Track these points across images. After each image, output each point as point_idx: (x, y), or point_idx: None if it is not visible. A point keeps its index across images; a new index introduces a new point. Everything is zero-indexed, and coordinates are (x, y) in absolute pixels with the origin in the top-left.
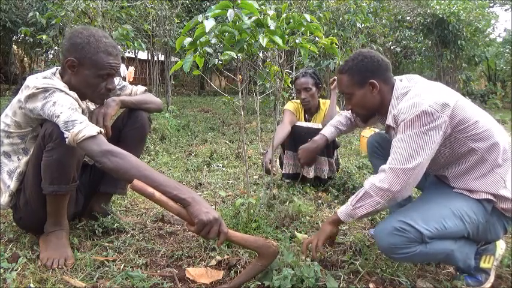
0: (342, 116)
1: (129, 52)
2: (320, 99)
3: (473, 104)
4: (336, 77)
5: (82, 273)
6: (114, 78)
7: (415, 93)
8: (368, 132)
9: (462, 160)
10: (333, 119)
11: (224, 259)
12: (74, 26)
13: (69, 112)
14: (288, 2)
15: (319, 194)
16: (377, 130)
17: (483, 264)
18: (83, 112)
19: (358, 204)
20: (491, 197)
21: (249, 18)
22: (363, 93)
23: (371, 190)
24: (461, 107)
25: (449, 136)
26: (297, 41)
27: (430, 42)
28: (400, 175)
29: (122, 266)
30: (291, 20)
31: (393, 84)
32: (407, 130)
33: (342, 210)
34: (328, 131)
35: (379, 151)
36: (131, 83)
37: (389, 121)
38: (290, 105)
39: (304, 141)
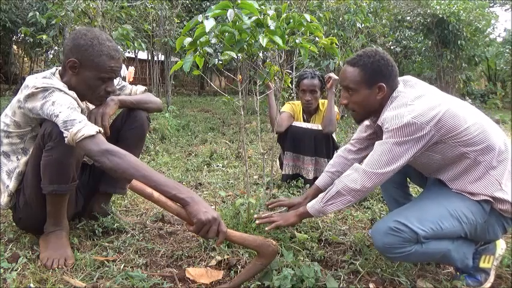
0: (335, 155)
1: (129, 52)
2: (319, 100)
3: (469, 106)
4: (331, 75)
5: (82, 273)
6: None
7: (403, 103)
8: None
9: (454, 164)
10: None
11: (224, 259)
12: (74, 26)
13: (68, 111)
14: (288, 2)
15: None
16: None
17: (483, 264)
18: (82, 111)
19: (329, 202)
20: (489, 198)
21: (249, 18)
22: (367, 94)
23: (343, 190)
24: (451, 114)
25: (438, 144)
26: (297, 41)
27: (430, 42)
28: (372, 178)
29: (122, 266)
30: (291, 20)
31: (394, 90)
32: (389, 138)
33: (312, 206)
34: (320, 180)
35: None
36: (131, 83)
37: (380, 122)
38: (287, 107)
39: (303, 142)
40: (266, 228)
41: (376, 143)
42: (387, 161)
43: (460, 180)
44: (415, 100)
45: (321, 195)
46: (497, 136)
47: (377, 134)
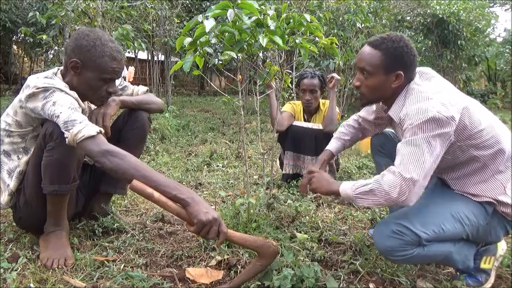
0: (343, 126)
1: (129, 52)
2: (320, 100)
3: (482, 106)
4: (333, 75)
5: (82, 273)
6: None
7: (424, 96)
8: None
9: (463, 166)
10: (336, 131)
11: (224, 259)
12: (74, 26)
13: (68, 112)
14: (288, 2)
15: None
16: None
17: (483, 265)
18: (83, 111)
19: (361, 196)
20: (492, 200)
21: (249, 18)
22: (383, 80)
23: (378, 192)
24: (469, 113)
25: (452, 144)
26: (297, 41)
27: (430, 42)
28: (410, 187)
29: (122, 266)
30: (291, 20)
31: (411, 81)
32: (414, 135)
33: (344, 189)
34: (332, 144)
35: (383, 150)
36: (131, 83)
37: (393, 114)
38: (288, 107)
39: (304, 141)
40: (306, 190)
41: (400, 143)
42: (419, 163)
43: (464, 180)
44: (436, 94)
45: (357, 184)
46: (507, 140)
47: (384, 120)
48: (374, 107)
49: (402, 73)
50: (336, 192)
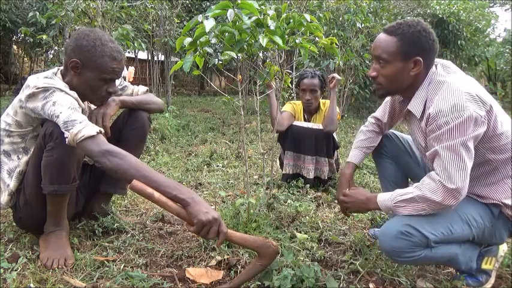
0: (362, 132)
1: (129, 52)
2: (320, 100)
3: (501, 108)
4: (334, 75)
5: (82, 273)
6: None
7: (456, 91)
8: None
9: (473, 168)
10: (356, 139)
11: (224, 259)
12: (74, 26)
13: (68, 112)
14: (288, 2)
15: (319, 194)
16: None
17: (485, 266)
18: (82, 111)
19: (401, 204)
20: (498, 202)
21: (249, 18)
22: (401, 67)
23: (420, 198)
24: (494, 114)
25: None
26: (297, 41)
27: None
28: (455, 195)
29: (122, 266)
30: (291, 20)
31: (430, 70)
32: (452, 138)
33: (383, 203)
34: (354, 156)
35: (384, 151)
36: (131, 83)
37: (414, 109)
38: (288, 107)
39: (304, 141)
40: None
41: (440, 148)
42: (460, 169)
43: (472, 182)
44: (468, 90)
45: (395, 193)
46: None
47: (396, 117)
48: (388, 103)
49: (421, 59)
50: (375, 209)
